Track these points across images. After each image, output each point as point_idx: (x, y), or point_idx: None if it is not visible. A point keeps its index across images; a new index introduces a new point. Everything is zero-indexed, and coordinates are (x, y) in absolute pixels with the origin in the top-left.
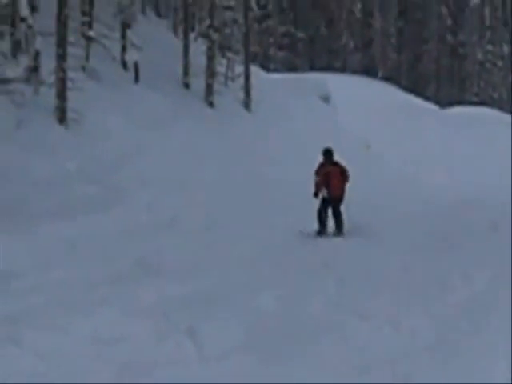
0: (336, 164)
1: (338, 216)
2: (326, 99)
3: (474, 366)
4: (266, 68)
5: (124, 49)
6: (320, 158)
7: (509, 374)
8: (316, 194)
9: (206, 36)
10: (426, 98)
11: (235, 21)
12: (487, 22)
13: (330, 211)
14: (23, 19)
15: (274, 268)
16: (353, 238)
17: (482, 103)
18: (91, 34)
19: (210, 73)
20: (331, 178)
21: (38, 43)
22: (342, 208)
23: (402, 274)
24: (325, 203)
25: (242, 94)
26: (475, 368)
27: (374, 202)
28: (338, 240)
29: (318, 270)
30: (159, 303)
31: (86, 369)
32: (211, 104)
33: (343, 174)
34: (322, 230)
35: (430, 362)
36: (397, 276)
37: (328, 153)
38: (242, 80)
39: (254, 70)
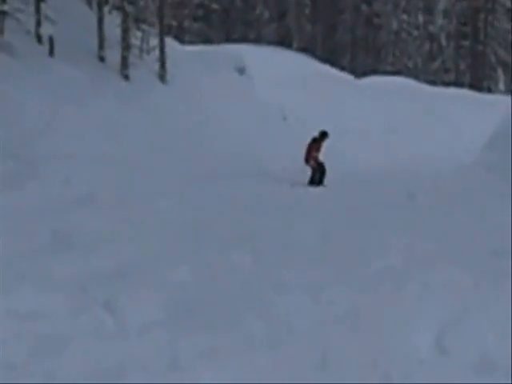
0: (316, 141)
1: (312, 174)
2: (241, 71)
3: (395, 335)
4: (181, 40)
5: (38, 22)
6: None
7: (431, 342)
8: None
9: (120, 9)
10: (342, 68)
11: None
12: None
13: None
14: None
15: (192, 241)
16: (275, 208)
17: (397, 72)
18: (5, 8)
19: (125, 45)
20: (310, 150)
21: None
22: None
23: (320, 243)
24: None
25: (157, 67)
26: (396, 338)
27: (288, 172)
28: (261, 211)
29: (235, 243)
30: (76, 277)
31: (1, 344)
32: (126, 77)
33: (314, 149)
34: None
35: (350, 331)
36: (315, 245)
37: (320, 134)
38: (157, 52)
39: (169, 42)
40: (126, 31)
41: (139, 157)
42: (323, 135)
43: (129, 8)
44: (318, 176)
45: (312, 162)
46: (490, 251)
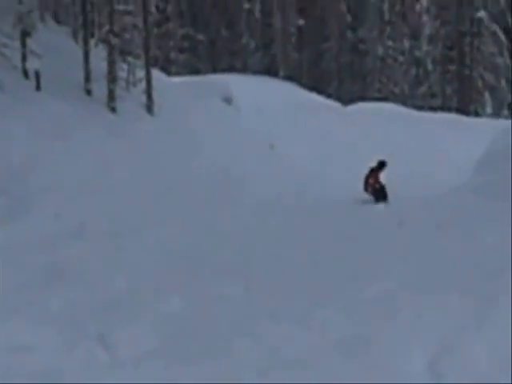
0: (373, 171)
1: (375, 197)
2: (228, 101)
3: (389, 361)
4: (167, 72)
5: (24, 57)
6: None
7: (425, 367)
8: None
9: (106, 42)
10: (328, 96)
11: (135, 25)
12: (386, 18)
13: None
14: None
15: (183, 272)
16: (265, 237)
17: (384, 99)
18: None
19: (112, 78)
20: (367, 179)
21: None
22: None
23: (312, 270)
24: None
25: (144, 99)
26: (390, 364)
27: (278, 200)
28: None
29: (226, 273)
30: (69, 311)
31: None
32: (114, 109)
33: (372, 177)
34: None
35: (341, 358)
36: (306, 273)
37: (378, 164)
38: (143, 84)
39: (156, 74)
40: (112, 64)
41: (128, 188)
42: (381, 165)
43: (114, 41)
44: (381, 198)
45: (370, 189)
46: (481, 274)
